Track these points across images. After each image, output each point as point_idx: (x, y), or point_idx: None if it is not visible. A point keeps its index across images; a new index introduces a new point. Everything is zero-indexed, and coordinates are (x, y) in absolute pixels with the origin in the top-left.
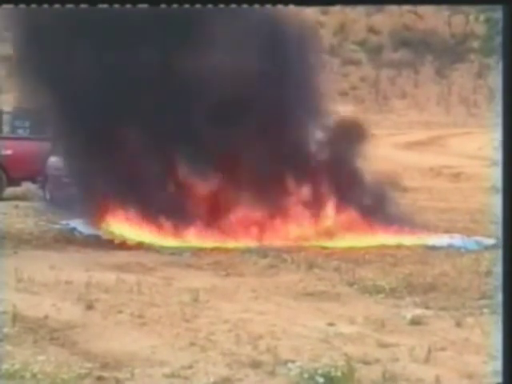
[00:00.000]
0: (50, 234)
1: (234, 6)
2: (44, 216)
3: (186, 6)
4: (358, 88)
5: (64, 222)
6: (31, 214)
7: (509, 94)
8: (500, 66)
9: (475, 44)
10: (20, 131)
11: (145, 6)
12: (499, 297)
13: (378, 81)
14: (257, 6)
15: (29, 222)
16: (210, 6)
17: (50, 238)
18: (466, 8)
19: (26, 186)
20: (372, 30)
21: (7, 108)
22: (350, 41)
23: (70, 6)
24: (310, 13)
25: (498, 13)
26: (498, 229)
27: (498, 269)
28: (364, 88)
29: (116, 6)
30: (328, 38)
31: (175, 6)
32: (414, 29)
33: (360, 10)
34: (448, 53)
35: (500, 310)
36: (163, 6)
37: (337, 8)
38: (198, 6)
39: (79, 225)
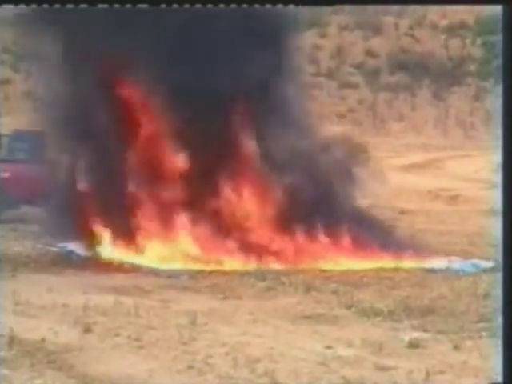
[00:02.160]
0: (48, 257)
1: (233, 5)
2: (42, 239)
3: (186, 5)
4: (355, 111)
5: (61, 245)
6: (29, 237)
7: (508, 114)
8: (498, 89)
9: (472, 67)
10: (18, 154)
11: (145, 5)
12: (497, 320)
13: (376, 104)
14: (257, 5)
15: (26, 244)
16: (209, 5)
17: (47, 260)
18: (462, 32)
19: (24, 209)
20: (369, 53)
21: (5, 131)
22: (347, 64)
23: (69, 6)
24: (308, 36)
25: (495, 36)
26: (495, 251)
27: (496, 291)
28: (361, 111)
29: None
30: (325, 60)
31: (175, 5)
32: (411, 52)
33: (357, 34)
34: (445, 76)
35: (499, 332)
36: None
37: (334, 31)
38: (198, 5)
39: (76, 247)
